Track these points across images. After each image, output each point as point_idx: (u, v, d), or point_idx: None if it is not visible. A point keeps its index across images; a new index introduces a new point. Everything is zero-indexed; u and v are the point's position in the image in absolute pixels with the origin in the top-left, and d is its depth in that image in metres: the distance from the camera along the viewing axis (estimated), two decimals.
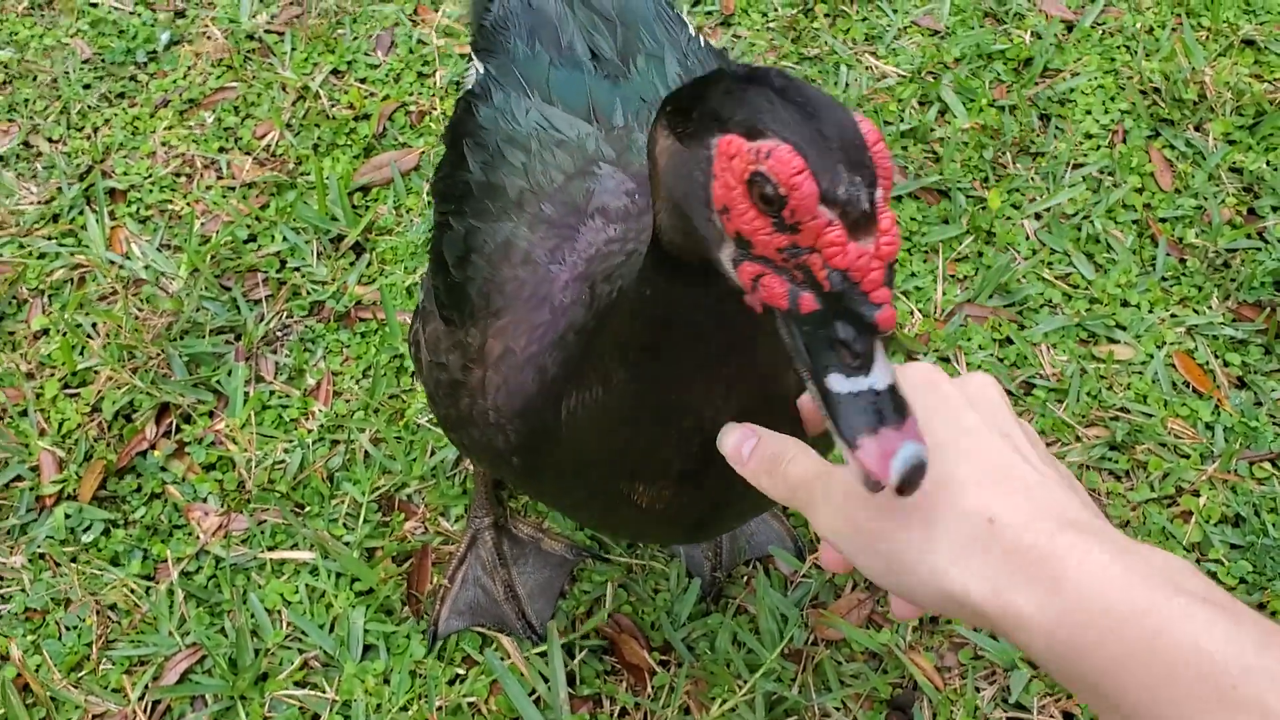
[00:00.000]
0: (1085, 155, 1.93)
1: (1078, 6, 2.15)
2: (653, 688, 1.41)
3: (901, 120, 1.98)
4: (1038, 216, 1.86)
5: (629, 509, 1.02)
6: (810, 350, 0.72)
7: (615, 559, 1.51)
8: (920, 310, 1.75)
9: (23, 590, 1.49)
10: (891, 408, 0.68)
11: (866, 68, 2.07)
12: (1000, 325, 1.73)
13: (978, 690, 1.41)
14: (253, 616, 1.45)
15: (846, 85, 2.04)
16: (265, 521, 1.55)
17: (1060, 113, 1.99)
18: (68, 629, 1.46)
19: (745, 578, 1.50)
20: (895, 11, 2.16)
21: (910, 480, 0.67)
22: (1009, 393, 1.66)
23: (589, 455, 1.01)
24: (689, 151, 0.77)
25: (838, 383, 0.71)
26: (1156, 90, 2.01)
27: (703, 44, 1.31)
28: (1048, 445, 1.58)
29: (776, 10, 2.17)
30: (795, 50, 2.10)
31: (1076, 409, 1.63)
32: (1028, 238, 1.84)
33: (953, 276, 1.80)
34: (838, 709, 1.39)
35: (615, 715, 1.39)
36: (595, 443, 0.99)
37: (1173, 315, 1.74)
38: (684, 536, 1.30)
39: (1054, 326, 1.72)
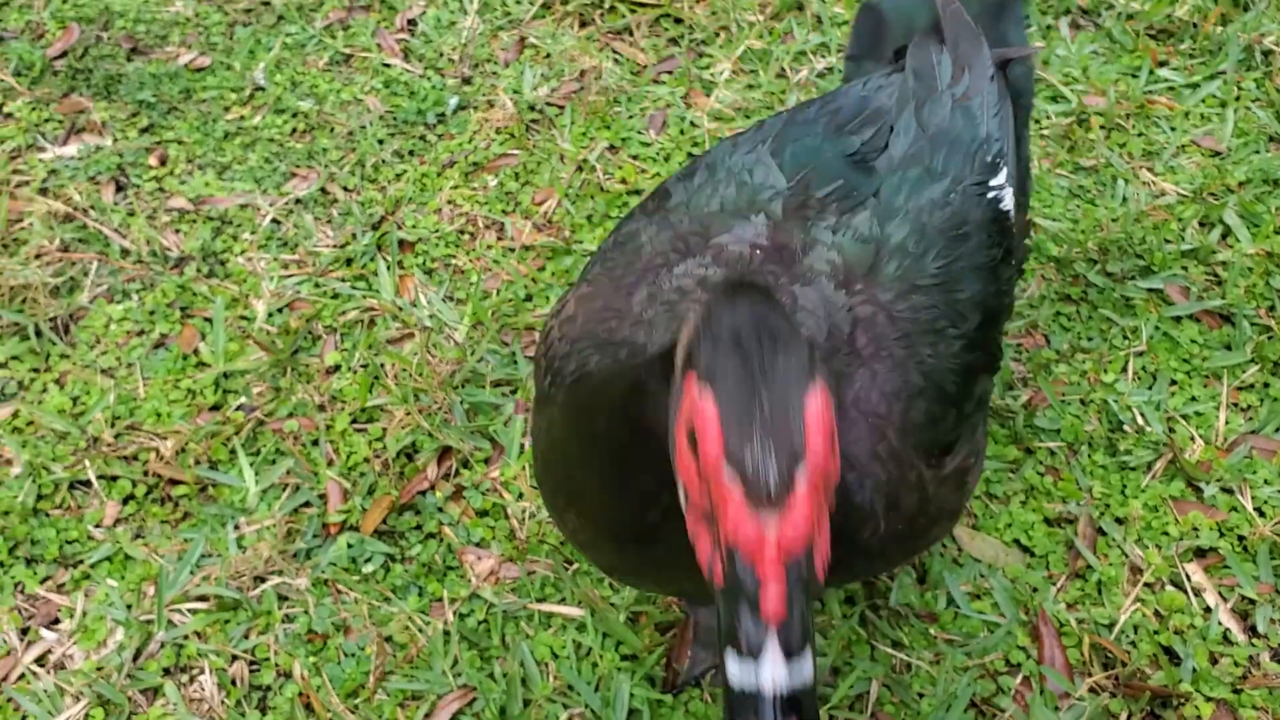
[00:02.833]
0: None
1: None
2: None
3: (1182, 240, 1.95)
4: None
5: (563, 525, 1.07)
6: (721, 618, 0.69)
7: (880, 650, 1.49)
8: (1202, 437, 1.70)
9: (306, 613, 1.56)
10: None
11: (1144, 183, 2.05)
12: None
13: None
14: (522, 665, 1.49)
15: (1124, 199, 2.02)
16: (535, 573, 1.59)
17: None
18: (347, 655, 1.52)
19: (1014, 691, 1.47)
20: (1174, 129, 2.14)
21: None
22: None
23: (548, 453, 1.06)
24: (677, 378, 0.76)
25: (732, 663, 0.68)
26: None
27: (983, 197, 1.24)
28: None
29: (1050, 119, 2.17)
30: (1070, 160, 2.10)
31: None
32: None
33: (1236, 405, 1.75)
34: None
35: None
36: (547, 449, 1.05)
37: None
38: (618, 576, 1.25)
39: None
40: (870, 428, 1.05)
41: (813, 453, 0.69)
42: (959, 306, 1.14)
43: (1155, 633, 1.51)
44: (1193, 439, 1.70)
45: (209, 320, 1.93)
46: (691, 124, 2.22)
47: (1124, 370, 1.79)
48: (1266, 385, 1.76)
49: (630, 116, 2.24)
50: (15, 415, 1.80)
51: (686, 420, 0.72)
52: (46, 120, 2.27)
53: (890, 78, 1.32)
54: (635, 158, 2.17)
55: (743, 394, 0.69)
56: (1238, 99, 2.20)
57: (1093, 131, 2.14)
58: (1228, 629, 1.51)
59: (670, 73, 2.34)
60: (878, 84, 1.31)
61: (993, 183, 1.26)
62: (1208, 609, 1.53)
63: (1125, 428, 1.72)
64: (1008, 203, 1.27)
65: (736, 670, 0.68)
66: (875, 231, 1.15)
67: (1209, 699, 1.45)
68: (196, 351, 1.89)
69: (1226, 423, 1.72)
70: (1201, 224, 1.99)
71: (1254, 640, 1.51)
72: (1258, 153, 2.08)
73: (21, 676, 1.52)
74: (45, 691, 1.49)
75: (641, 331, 1.05)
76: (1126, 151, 2.12)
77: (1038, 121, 2.18)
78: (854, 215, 1.16)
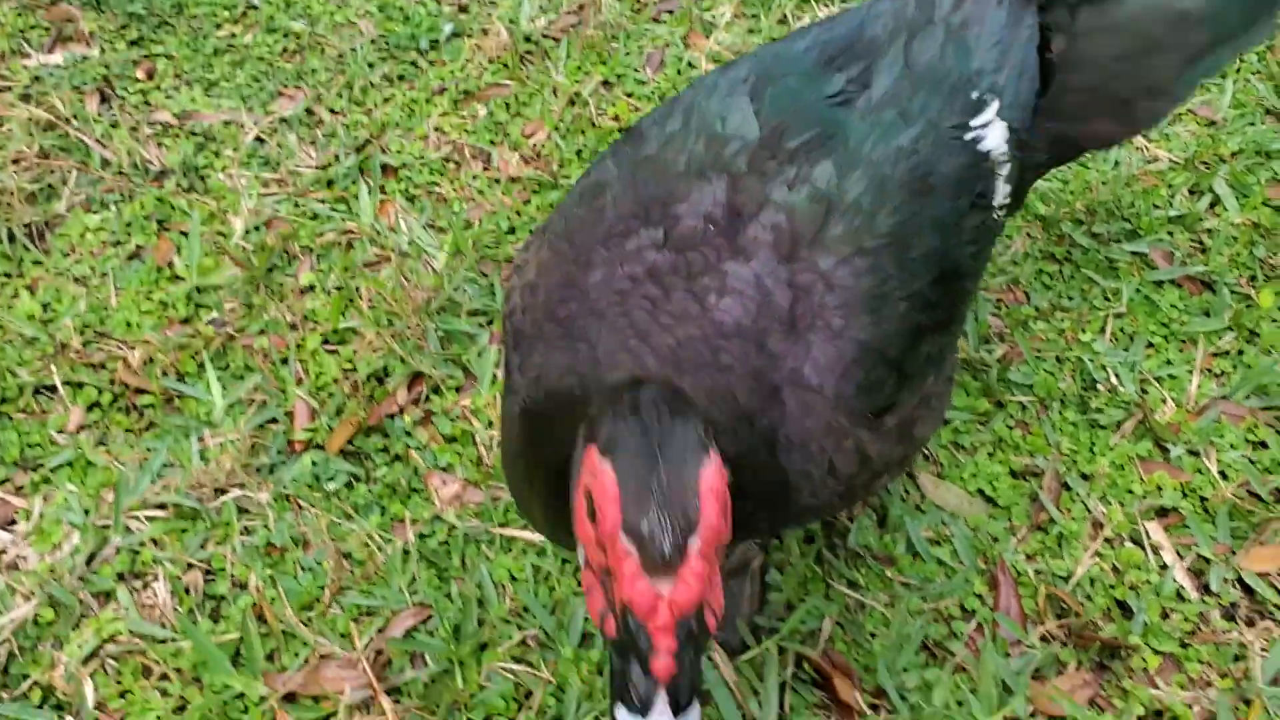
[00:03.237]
0: None
1: None
2: None
3: (1171, 206, 1.94)
4: None
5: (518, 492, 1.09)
6: (611, 673, 0.75)
7: (835, 589, 1.49)
8: (1174, 400, 1.70)
9: (266, 526, 1.56)
10: None
11: (1138, 148, 2.03)
12: (1256, 428, 1.67)
13: None
14: (480, 586, 1.49)
15: (1116, 163, 2.00)
16: (500, 499, 1.58)
17: None
18: (304, 569, 1.52)
19: (967, 636, 1.47)
20: None
21: None
22: (1259, 498, 1.59)
23: (504, 447, 1.11)
24: (582, 446, 0.81)
25: (621, 714, 0.74)
26: None
27: (958, 142, 1.20)
28: None
29: None
30: None
31: None
32: None
33: (1209, 370, 1.74)
34: None
35: None
36: (503, 439, 1.09)
37: None
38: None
39: None
40: (802, 405, 1.04)
41: (705, 523, 0.73)
42: (910, 266, 1.11)
43: (1111, 587, 1.51)
44: (1164, 401, 1.70)
45: (185, 234, 1.91)
46: (689, 65, 2.20)
47: (1102, 330, 1.79)
48: (1241, 353, 1.76)
49: (627, 54, 2.21)
50: None
51: (585, 489, 0.76)
52: (33, 27, 2.25)
53: (894, 2, 1.28)
54: (629, 95, 2.15)
55: (640, 467, 0.74)
56: (1238, 71, 2.18)
57: None
58: (1181, 586, 1.51)
59: (671, 12, 2.31)
60: (878, 10, 1.27)
61: (974, 123, 1.22)
62: (1164, 566, 1.53)
63: (1099, 386, 1.71)
64: (990, 142, 1.22)
65: (625, 717, 0.74)
66: (832, 186, 1.11)
67: (1157, 652, 1.45)
68: (171, 265, 1.87)
69: (1199, 387, 1.71)
70: (1191, 191, 1.97)
71: (1205, 598, 1.51)
72: (1253, 124, 2.07)
73: None
74: None
75: (593, 326, 1.05)
76: None
77: None
78: (815, 166, 1.12)
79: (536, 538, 1.54)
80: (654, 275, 1.06)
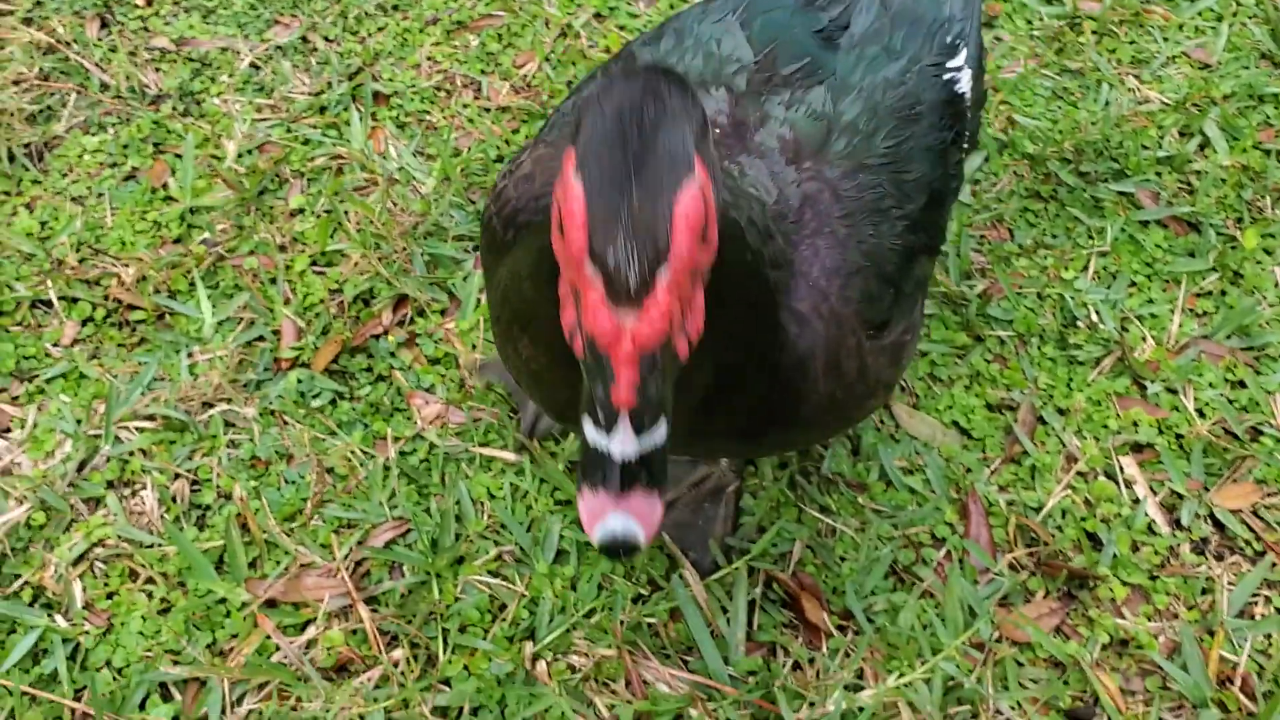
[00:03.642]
0: None
1: None
2: (828, 649, 1.42)
3: (1160, 147, 1.93)
4: None
5: (517, 356, 1.05)
6: (585, 384, 0.73)
7: (807, 514, 1.52)
8: (1154, 338, 1.71)
9: (251, 440, 1.59)
10: (617, 477, 0.69)
11: (1129, 89, 2.03)
12: (1236, 367, 1.68)
13: None
14: (458, 503, 1.52)
15: (1107, 104, 2.00)
16: (480, 420, 1.61)
17: None
18: (288, 482, 1.55)
19: (936, 563, 1.49)
20: (1166, 39, 2.11)
21: (610, 551, 0.69)
22: (1235, 436, 1.61)
23: (507, 287, 1.05)
24: (562, 148, 0.77)
25: (588, 427, 0.72)
26: None
27: (939, 78, 1.24)
28: (1266, 494, 1.53)
29: (1042, 20, 2.15)
30: (1057, 62, 2.07)
31: None
32: (1277, 284, 1.77)
33: (1191, 310, 1.75)
34: (1013, 708, 1.37)
35: (789, 667, 1.40)
36: (508, 283, 1.04)
37: None
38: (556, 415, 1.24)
39: None
40: (813, 290, 1.07)
41: (676, 253, 0.69)
42: (905, 187, 1.15)
43: (1082, 519, 1.53)
44: (1144, 339, 1.71)
45: (179, 157, 1.93)
46: (684, 0, 2.19)
47: (1085, 269, 1.79)
48: (1224, 293, 1.76)
49: None
50: None
51: (557, 199, 0.72)
52: None
53: None
54: (621, 28, 2.15)
55: (612, 188, 0.69)
56: (1235, 14, 2.17)
57: (1084, 36, 2.11)
58: (1153, 520, 1.53)
59: None
60: None
61: (950, 64, 1.26)
62: (1136, 500, 1.55)
63: (1079, 323, 1.73)
64: (964, 85, 1.27)
65: (592, 432, 0.71)
66: (829, 108, 1.16)
67: (1125, 583, 1.48)
68: (165, 186, 1.89)
69: (1180, 326, 1.72)
70: (1181, 133, 1.97)
71: (1176, 533, 1.53)
72: (1246, 68, 2.06)
73: None
74: None
75: None
76: (1115, 58, 2.09)
77: (1029, 22, 2.15)
78: (810, 91, 1.17)
79: (515, 457, 1.56)
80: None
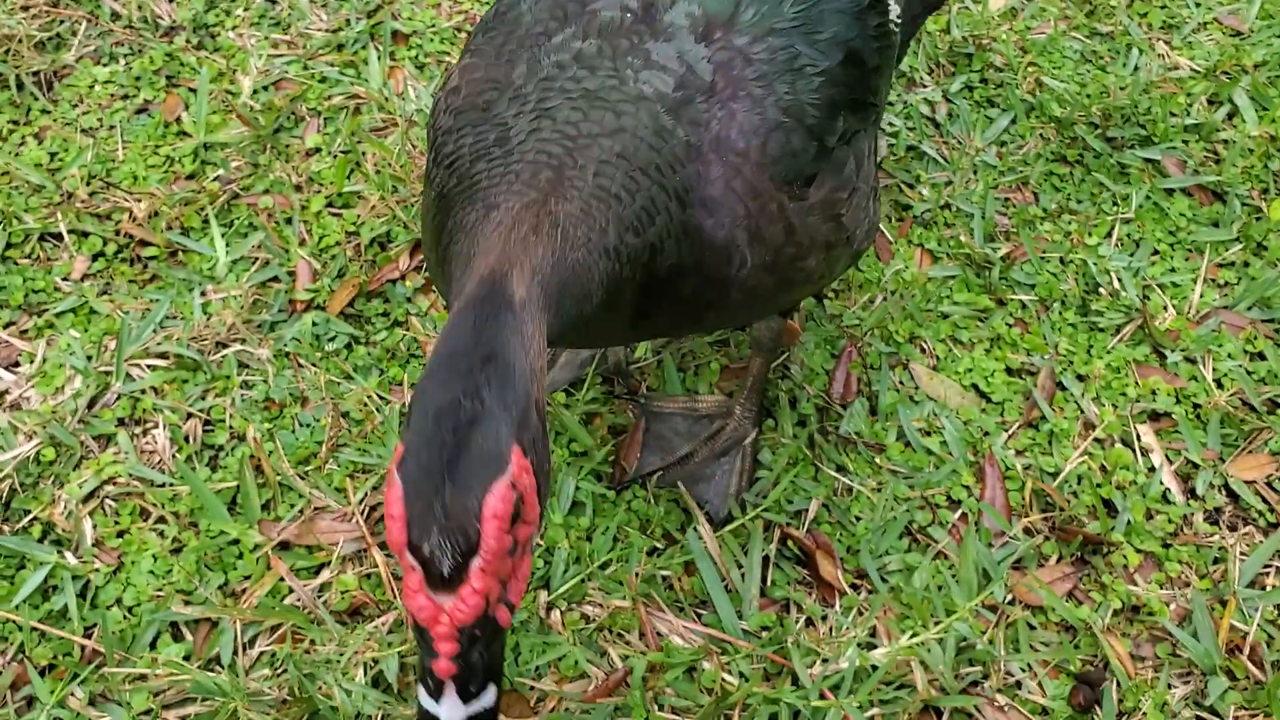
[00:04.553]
0: None
1: None
2: (841, 607, 1.42)
3: (1188, 114, 1.91)
4: None
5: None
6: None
7: (824, 472, 1.51)
8: (1175, 307, 1.70)
9: (265, 381, 1.58)
10: None
11: (1159, 55, 2.00)
12: (1256, 339, 1.67)
13: (1170, 687, 1.38)
14: None
15: (1136, 69, 1.97)
16: None
17: None
18: (302, 425, 1.54)
19: (951, 525, 1.49)
20: (1198, 5, 2.08)
21: None
22: (1252, 408, 1.60)
23: (423, 229, 1.12)
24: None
25: (420, 693, 0.81)
26: None
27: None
28: None
29: None
30: (1087, 24, 2.04)
31: None
32: None
33: (1213, 280, 1.74)
34: (1024, 670, 1.38)
35: (801, 623, 1.40)
36: (422, 223, 1.11)
37: None
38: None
39: None
40: (727, 166, 1.10)
41: (486, 546, 0.77)
42: (818, 45, 1.17)
43: (1098, 485, 1.53)
44: (1165, 308, 1.70)
45: (193, 91, 1.89)
46: None
47: (1108, 235, 1.78)
48: (1247, 264, 1.75)
49: None
50: None
51: (386, 494, 0.81)
52: None
53: None
54: None
55: (428, 486, 0.77)
56: None
57: None
58: (1168, 489, 1.53)
59: None
60: None
61: None
62: (1152, 468, 1.55)
63: (1101, 290, 1.71)
64: None
65: (422, 697, 0.81)
66: None
67: (1138, 550, 1.48)
68: (179, 120, 1.86)
69: (1201, 296, 1.71)
70: (1210, 101, 1.95)
71: (1191, 502, 1.53)
72: (1279, 36, 2.03)
73: None
74: None
75: (514, 108, 1.08)
76: (1146, 22, 2.06)
77: None
78: None
79: None
80: (580, 60, 1.11)
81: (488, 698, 0.80)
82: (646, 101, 1.07)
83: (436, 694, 0.79)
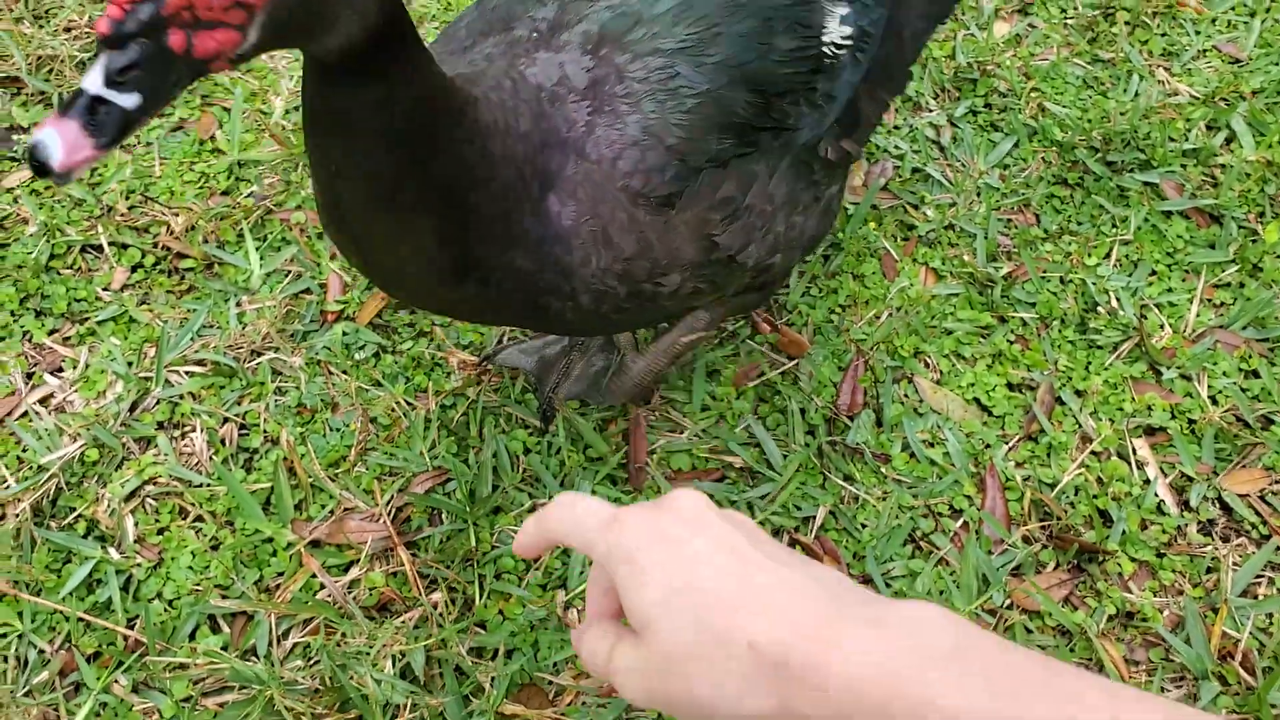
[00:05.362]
0: None
1: None
2: None
3: (1186, 139, 1.98)
4: None
5: (321, 193, 1.12)
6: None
7: (831, 481, 1.58)
8: (1171, 326, 1.76)
9: (298, 388, 1.65)
10: (71, 105, 0.75)
11: (1159, 81, 2.07)
12: (1250, 357, 1.73)
13: (1163, 690, 1.44)
14: (495, 456, 1.58)
15: (1136, 94, 2.04)
16: (518, 379, 1.67)
17: None
18: (332, 429, 1.61)
19: (953, 533, 1.55)
20: (1198, 33, 2.15)
21: (31, 162, 0.75)
22: (1246, 424, 1.66)
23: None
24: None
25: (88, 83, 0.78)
26: None
27: None
28: (1275, 480, 1.58)
29: (1077, 9, 2.18)
30: (1089, 51, 2.11)
31: None
32: None
33: (1209, 300, 1.80)
34: None
35: None
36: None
37: None
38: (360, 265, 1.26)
39: None
40: (580, 169, 1.15)
41: None
42: (702, 68, 1.19)
43: (1094, 496, 1.59)
44: (1162, 327, 1.76)
45: (228, 110, 1.97)
46: None
47: (1107, 256, 1.85)
48: (1242, 285, 1.81)
49: None
50: (33, 178, 1.86)
51: None
52: None
53: None
54: None
55: None
56: (1268, 10, 2.20)
57: (1117, 26, 2.15)
58: (1162, 500, 1.59)
59: None
60: None
61: None
62: (1147, 481, 1.61)
63: (1099, 309, 1.78)
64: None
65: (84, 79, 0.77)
66: (644, 6, 1.22)
67: (1133, 559, 1.54)
68: (213, 138, 1.94)
69: (1198, 315, 1.78)
70: (1209, 127, 2.02)
71: (1185, 513, 1.59)
72: (1276, 64, 2.10)
73: (24, 415, 1.62)
74: (45, 430, 1.58)
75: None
76: (1147, 49, 2.13)
77: (1063, 10, 2.19)
78: None
79: (542, 425, 1.62)
80: (488, 59, 1.22)
81: (128, 100, 0.76)
82: (530, 87, 1.15)
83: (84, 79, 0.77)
